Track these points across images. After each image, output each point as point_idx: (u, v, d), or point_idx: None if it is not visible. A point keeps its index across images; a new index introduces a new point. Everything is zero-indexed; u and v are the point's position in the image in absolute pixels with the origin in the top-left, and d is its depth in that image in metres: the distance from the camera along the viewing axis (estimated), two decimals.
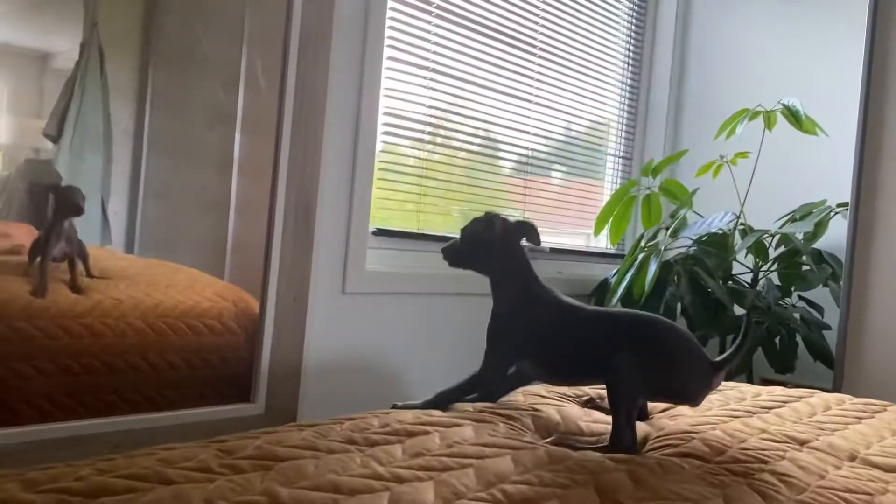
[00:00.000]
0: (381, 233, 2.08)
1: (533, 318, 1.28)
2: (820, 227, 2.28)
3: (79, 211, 1.47)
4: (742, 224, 2.39)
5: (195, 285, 1.67)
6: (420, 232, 2.22)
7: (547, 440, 1.17)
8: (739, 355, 1.24)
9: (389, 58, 2.06)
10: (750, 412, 1.42)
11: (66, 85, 1.48)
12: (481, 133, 2.42)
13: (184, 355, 1.63)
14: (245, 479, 0.84)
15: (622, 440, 1.14)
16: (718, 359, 1.23)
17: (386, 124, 2.08)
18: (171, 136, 1.65)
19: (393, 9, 2.05)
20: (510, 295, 1.30)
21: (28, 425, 1.39)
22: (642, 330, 1.23)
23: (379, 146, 2.04)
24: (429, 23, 2.17)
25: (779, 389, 1.67)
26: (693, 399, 1.25)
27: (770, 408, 1.47)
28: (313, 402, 1.86)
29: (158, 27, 1.62)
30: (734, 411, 1.41)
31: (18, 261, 1.44)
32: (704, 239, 2.41)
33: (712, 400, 1.52)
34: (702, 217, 2.40)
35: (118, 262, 1.58)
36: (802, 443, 1.23)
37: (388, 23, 2.02)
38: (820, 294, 2.34)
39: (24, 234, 1.47)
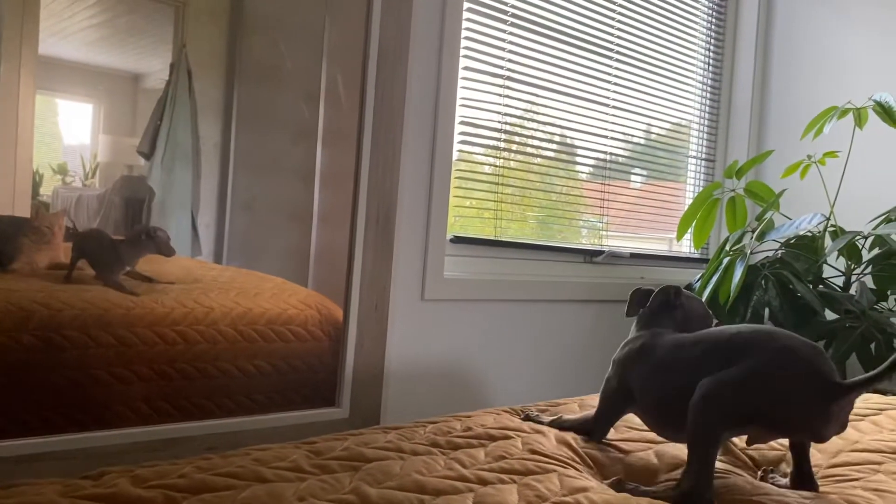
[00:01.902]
0: (458, 240, 2.10)
1: (644, 362, 1.14)
2: None
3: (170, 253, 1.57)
4: (832, 226, 2.30)
5: (281, 293, 1.72)
6: (497, 239, 2.23)
7: (606, 482, 1.03)
8: (878, 381, 0.94)
9: (465, 68, 2.08)
10: None
11: (157, 104, 1.55)
12: (557, 139, 2.42)
13: (272, 361, 1.69)
14: (335, 479, 0.87)
15: (684, 486, 0.95)
16: (851, 380, 0.94)
17: (462, 133, 2.10)
18: (257, 150, 1.70)
19: (468, 19, 2.07)
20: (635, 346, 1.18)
21: (128, 427, 1.47)
22: (736, 345, 1.01)
23: (455, 155, 2.07)
24: (504, 31, 2.18)
25: (874, 397, 1.60)
26: (803, 429, 0.99)
27: (865, 416, 1.41)
28: (395, 407, 1.89)
29: (242, 46, 1.68)
30: None
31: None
32: (793, 242, 2.33)
33: None
34: (789, 219, 2.32)
35: (209, 272, 1.64)
36: None
37: (464, 33, 2.05)
38: None
39: None
